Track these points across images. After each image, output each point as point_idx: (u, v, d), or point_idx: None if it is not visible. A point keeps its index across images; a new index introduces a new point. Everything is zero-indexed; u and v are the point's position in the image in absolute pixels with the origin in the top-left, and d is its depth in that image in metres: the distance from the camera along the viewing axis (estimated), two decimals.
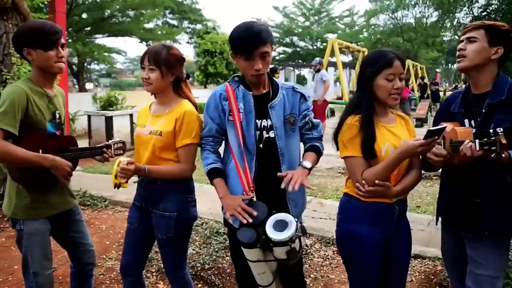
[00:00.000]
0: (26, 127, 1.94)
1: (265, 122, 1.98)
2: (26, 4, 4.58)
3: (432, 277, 3.11)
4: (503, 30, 1.81)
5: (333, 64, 16.78)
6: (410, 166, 1.89)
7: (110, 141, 2.30)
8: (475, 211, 1.80)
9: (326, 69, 11.17)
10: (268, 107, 1.97)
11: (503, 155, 1.47)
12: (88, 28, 19.16)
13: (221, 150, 2.12)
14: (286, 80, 19.85)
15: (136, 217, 2.20)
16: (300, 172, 1.87)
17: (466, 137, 1.65)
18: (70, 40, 16.90)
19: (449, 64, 47.15)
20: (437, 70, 33.95)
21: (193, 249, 3.52)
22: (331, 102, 10.16)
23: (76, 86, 25.75)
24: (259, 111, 1.97)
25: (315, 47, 31.93)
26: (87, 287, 2.39)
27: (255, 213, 1.82)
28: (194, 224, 4.02)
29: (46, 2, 5.92)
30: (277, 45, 33.64)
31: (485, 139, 1.49)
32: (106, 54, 20.98)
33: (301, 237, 1.92)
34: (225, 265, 3.26)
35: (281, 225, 1.78)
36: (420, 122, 13.37)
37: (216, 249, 3.49)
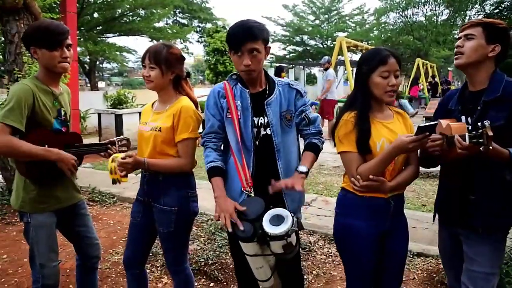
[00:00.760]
0: (32, 124, 2.01)
1: (262, 120, 2.01)
2: (38, 4, 4.68)
3: (434, 275, 3.11)
4: (500, 28, 1.81)
5: (342, 63, 16.71)
6: (407, 162, 1.91)
7: (114, 138, 2.37)
8: (470, 208, 1.82)
9: (336, 68, 11.16)
10: (264, 104, 2.00)
11: (490, 147, 1.48)
12: (99, 27, 19.37)
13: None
14: (296, 79, 19.79)
15: (139, 211, 2.25)
16: (295, 180, 1.91)
17: (460, 132, 1.67)
18: (81, 39, 17.11)
19: None
20: (449, 68, 33.49)
21: (198, 245, 3.58)
22: (339, 101, 10.14)
23: (88, 85, 26.08)
24: (256, 109, 2.00)
25: (325, 45, 31.80)
26: (92, 279, 2.46)
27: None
28: (200, 220, 4.14)
29: (58, 2, 6.03)
30: (287, 44, 33.62)
31: (474, 132, 1.51)
32: (117, 53, 21.17)
33: (299, 232, 1.95)
34: (228, 261, 3.30)
35: (277, 220, 1.81)
36: (430, 121, 13.20)
37: (220, 245, 3.54)
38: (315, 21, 32.88)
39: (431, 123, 1.65)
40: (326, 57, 10.26)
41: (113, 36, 21.05)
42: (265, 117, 2.01)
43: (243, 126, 1.99)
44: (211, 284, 3.06)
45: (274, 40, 31.65)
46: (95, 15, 18.68)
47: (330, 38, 31.60)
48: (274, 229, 1.77)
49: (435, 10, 20.38)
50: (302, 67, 27.35)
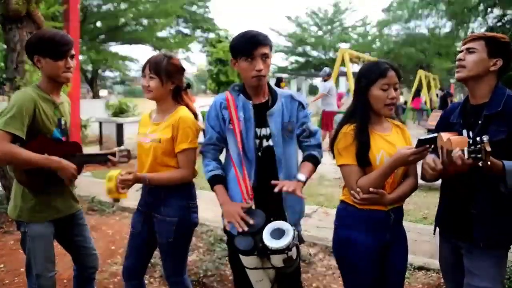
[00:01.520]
0: (33, 132, 2.00)
1: (264, 131, 2.01)
2: (41, 12, 4.71)
3: None
4: (502, 42, 1.81)
5: (345, 74, 16.79)
6: (406, 174, 1.90)
7: (115, 148, 2.36)
8: (470, 222, 1.80)
9: (337, 79, 11.17)
10: (267, 115, 2.00)
11: (488, 162, 1.47)
12: (102, 36, 19.53)
13: (222, 158, 2.16)
14: (298, 89, 19.85)
15: (139, 221, 2.24)
16: (294, 182, 1.89)
17: (461, 146, 1.65)
18: (84, 48, 17.23)
19: None
20: (451, 80, 33.55)
21: (197, 256, 3.55)
22: (339, 112, 10.13)
23: (90, 93, 26.20)
24: (258, 120, 2.00)
25: (327, 56, 31.92)
26: None
27: (251, 222, 1.84)
28: (199, 231, 4.10)
29: (60, 11, 6.07)
30: (289, 54, 33.76)
31: (472, 147, 1.49)
32: (120, 61, 21.32)
33: (299, 245, 1.94)
34: (227, 273, 3.27)
35: (278, 233, 1.80)
36: (432, 133, 13.17)
37: (219, 257, 3.51)
38: (318, 32, 33.06)
39: (431, 135, 1.64)
40: (326, 69, 10.19)
41: (115, 45, 21.22)
42: (268, 128, 2.00)
43: (245, 137, 1.98)
44: None
45: (277, 50, 31.80)
46: (98, 24, 18.87)
47: (332, 49, 31.73)
48: (274, 242, 1.76)
49: (438, 23, 20.45)
50: (304, 78, 27.50)
